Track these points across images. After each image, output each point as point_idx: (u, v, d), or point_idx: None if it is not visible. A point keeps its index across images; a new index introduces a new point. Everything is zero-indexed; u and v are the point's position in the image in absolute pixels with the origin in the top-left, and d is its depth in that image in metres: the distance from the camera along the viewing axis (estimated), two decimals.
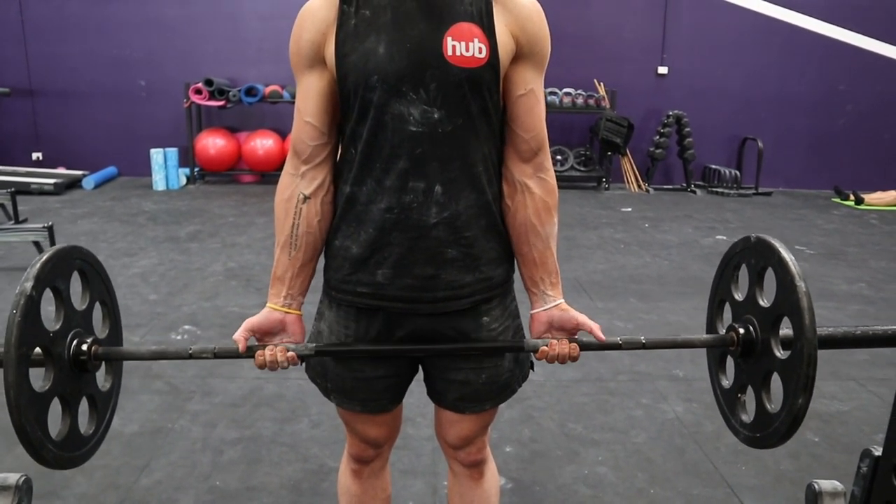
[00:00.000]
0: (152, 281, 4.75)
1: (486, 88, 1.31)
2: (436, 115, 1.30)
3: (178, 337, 3.80)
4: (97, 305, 1.49)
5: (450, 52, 1.28)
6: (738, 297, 1.49)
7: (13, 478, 1.36)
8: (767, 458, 2.69)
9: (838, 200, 8.56)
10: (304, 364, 1.58)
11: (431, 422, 2.84)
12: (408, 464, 2.60)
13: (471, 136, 1.34)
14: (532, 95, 1.38)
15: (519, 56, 1.34)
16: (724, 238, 6.41)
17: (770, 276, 1.36)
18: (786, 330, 1.32)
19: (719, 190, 8.77)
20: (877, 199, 8.32)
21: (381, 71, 1.28)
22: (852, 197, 8.36)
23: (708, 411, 3.06)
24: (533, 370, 1.62)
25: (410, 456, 2.65)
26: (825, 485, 1.35)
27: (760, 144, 8.69)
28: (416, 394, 1.59)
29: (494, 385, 1.51)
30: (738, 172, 8.83)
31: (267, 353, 1.39)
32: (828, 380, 3.33)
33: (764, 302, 1.37)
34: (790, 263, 1.29)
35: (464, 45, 1.28)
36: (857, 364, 3.59)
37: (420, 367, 1.56)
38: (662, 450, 2.77)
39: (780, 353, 1.32)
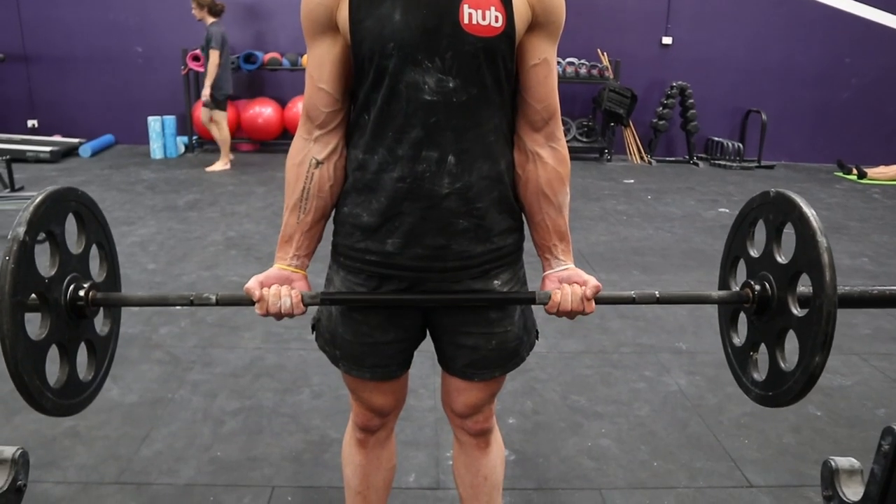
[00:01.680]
0: (151, 250, 4.72)
1: (501, 58, 1.29)
2: (451, 85, 1.28)
3: (177, 307, 3.77)
4: (94, 249, 1.45)
5: (466, 20, 1.24)
6: (754, 253, 1.45)
7: (9, 451, 1.33)
8: (770, 431, 2.68)
9: (841, 174, 8.52)
10: (313, 333, 1.58)
11: (434, 393, 2.83)
12: (410, 435, 2.59)
13: (485, 105, 1.32)
14: (546, 65, 1.35)
15: (534, 25, 1.31)
16: (727, 211, 6.38)
17: (788, 234, 1.32)
18: (802, 288, 1.29)
19: (722, 162, 8.73)
20: (880, 173, 8.28)
21: (398, 38, 1.25)
22: (855, 171, 8.32)
23: (711, 384, 3.05)
24: (538, 338, 1.62)
25: (413, 427, 2.64)
26: (842, 462, 1.32)
27: (764, 117, 8.63)
28: (419, 365, 1.57)
29: (503, 352, 1.51)
30: (740, 145, 8.78)
31: (271, 292, 1.36)
32: (830, 354, 3.30)
33: (781, 258, 1.34)
34: (811, 218, 1.24)
35: (480, 14, 1.25)
36: (860, 338, 3.58)
37: (428, 334, 1.56)
38: (665, 423, 2.76)
39: (797, 311, 1.29)
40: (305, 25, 1.33)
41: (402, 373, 1.58)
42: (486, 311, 1.46)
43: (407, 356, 1.56)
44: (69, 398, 1.32)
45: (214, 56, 7.06)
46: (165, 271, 4.32)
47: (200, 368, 3.09)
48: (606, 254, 4.96)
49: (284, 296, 1.35)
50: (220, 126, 7.42)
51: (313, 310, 1.52)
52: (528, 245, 1.52)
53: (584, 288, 1.38)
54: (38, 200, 1.23)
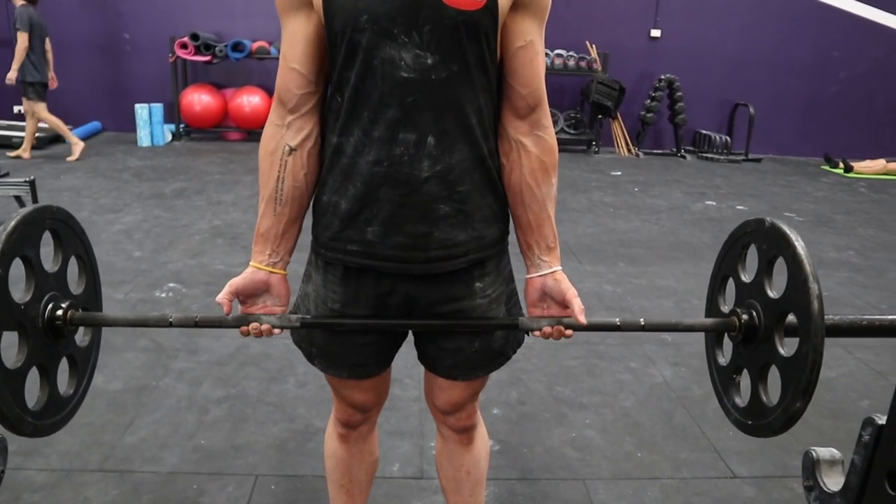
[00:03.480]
0: (137, 238, 4.68)
1: (483, 34, 1.22)
2: (429, 61, 1.20)
3: (163, 294, 3.76)
4: (73, 261, 1.41)
5: None
6: (745, 278, 1.42)
7: None
8: None
9: (828, 168, 8.57)
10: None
11: (418, 383, 2.83)
12: (394, 425, 2.58)
13: (466, 85, 1.25)
14: (531, 48, 1.30)
15: (519, 4, 1.26)
16: (714, 203, 6.40)
17: (780, 263, 1.30)
18: (791, 319, 1.26)
19: (709, 155, 8.76)
20: (866, 167, 8.33)
21: (371, 10, 1.19)
22: (842, 165, 8.37)
23: (696, 376, 3.06)
24: (528, 334, 1.53)
25: (397, 417, 2.63)
26: (823, 452, 1.32)
27: (752, 110, 8.65)
28: (404, 355, 1.55)
29: (487, 353, 1.46)
30: (728, 138, 8.81)
31: (251, 330, 1.34)
32: None
33: (772, 293, 1.30)
34: (805, 261, 1.21)
35: None
36: None
37: (410, 332, 1.50)
38: (650, 414, 2.77)
39: (783, 350, 1.26)
40: (279, 3, 1.28)
41: (381, 371, 1.53)
42: (467, 315, 1.40)
43: (387, 356, 1.51)
44: (50, 417, 1.29)
45: (22, 39, 6.73)
46: (151, 259, 4.29)
47: (185, 356, 3.07)
48: (593, 245, 4.97)
49: (265, 331, 1.34)
50: (36, 117, 7.06)
51: (291, 302, 1.46)
52: (513, 237, 1.48)
53: (569, 313, 1.34)
54: (9, 228, 1.18)
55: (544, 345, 3.24)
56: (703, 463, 2.46)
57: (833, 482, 1.30)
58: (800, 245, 1.24)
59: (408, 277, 1.35)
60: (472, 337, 1.43)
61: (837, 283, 4.40)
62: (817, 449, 1.34)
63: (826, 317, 1.20)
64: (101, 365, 2.90)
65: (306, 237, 1.45)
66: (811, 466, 1.33)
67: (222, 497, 2.18)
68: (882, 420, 1.16)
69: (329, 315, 1.41)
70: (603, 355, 3.24)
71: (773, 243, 1.31)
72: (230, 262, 4.29)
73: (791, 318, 1.26)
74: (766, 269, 1.34)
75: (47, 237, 1.32)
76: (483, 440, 1.71)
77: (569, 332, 1.36)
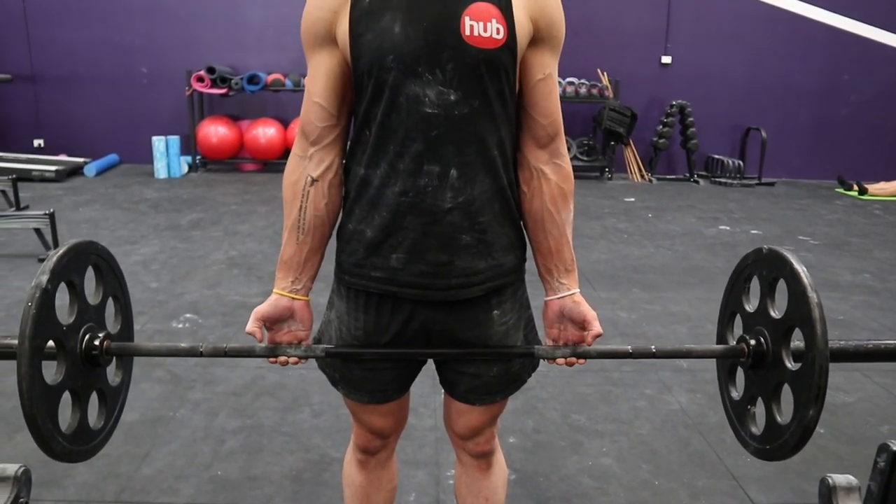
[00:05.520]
0: (154, 269, 4.73)
1: (503, 70, 1.28)
2: (452, 97, 1.27)
3: (180, 325, 3.78)
4: (110, 300, 1.49)
5: (467, 32, 1.24)
6: (749, 308, 1.47)
7: (12, 468, 1.34)
8: None
9: (842, 191, 8.53)
10: None
11: (433, 412, 2.83)
12: (410, 454, 2.58)
13: (487, 119, 1.31)
14: (550, 80, 1.36)
15: (536, 39, 1.32)
16: (727, 228, 6.39)
17: (781, 289, 1.35)
18: (797, 342, 1.31)
19: (722, 180, 8.74)
20: (881, 189, 8.29)
21: (397, 51, 1.24)
22: (856, 187, 8.33)
23: (712, 402, 3.04)
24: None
25: (413, 446, 2.63)
26: (839, 479, 1.32)
27: (764, 134, 8.65)
28: (419, 384, 1.58)
29: (505, 377, 1.50)
30: (741, 162, 8.80)
31: (280, 361, 1.39)
32: (833, 371, 3.28)
33: (775, 313, 1.36)
34: (802, 275, 1.27)
35: (482, 26, 1.25)
36: None
37: (430, 359, 1.54)
38: (667, 441, 2.76)
39: (791, 365, 1.30)
40: (305, 39, 1.34)
41: (400, 395, 1.57)
42: (485, 342, 1.45)
43: (406, 381, 1.55)
44: (79, 444, 1.34)
45: None
46: (168, 290, 4.33)
47: (201, 387, 3.09)
48: (607, 272, 4.97)
49: (292, 362, 1.39)
50: None
51: (315, 329, 1.51)
52: (529, 263, 1.51)
53: (585, 334, 1.42)
54: (61, 252, 1.28)
55: (559, 373, 3.24)
56: (721, 490, 2.44)
57: None
58: (796, 262, 1.30)
59: (427, 304, 1.40)
60: (491, 363, 1.48)
61: (853, 307, 4.37)
62: (833, 476, 1.34)
63: (831, 342, 1.23)
64: None
65: (328, 266, 1.48)
66: (828, 493, 1.33)
67: None
68: None
69: (352, 344, 1.46)
70: (618, 382, 3.24)
71: (773, 267, 1.37)
72: (246, 292, 4.32)
73: (796, 343, 1.30)
74: (768, 293, 1.39)
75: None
76: (501, 467, 1.73)
77: (582, 360, 1.41)
